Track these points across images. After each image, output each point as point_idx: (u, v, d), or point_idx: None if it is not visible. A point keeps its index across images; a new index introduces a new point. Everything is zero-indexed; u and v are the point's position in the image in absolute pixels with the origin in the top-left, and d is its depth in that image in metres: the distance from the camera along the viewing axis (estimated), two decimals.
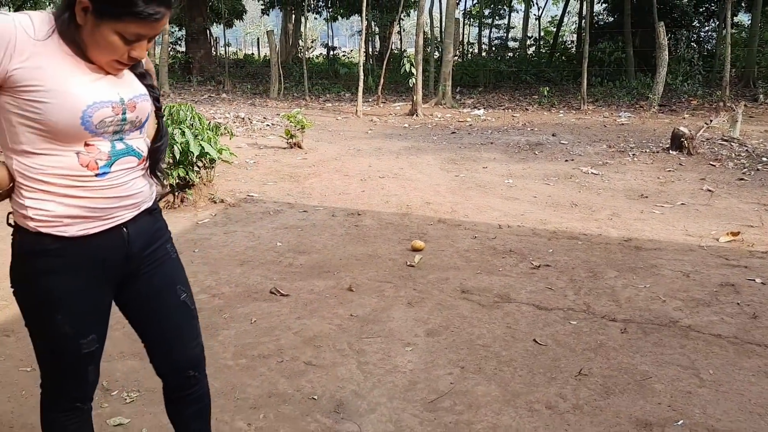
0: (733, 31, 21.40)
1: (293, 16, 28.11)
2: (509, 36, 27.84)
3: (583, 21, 18.83)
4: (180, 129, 5.53)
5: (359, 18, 28.71)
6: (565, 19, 28.70)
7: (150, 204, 1.77)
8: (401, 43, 28.91)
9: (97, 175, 1.58)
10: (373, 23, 23.74)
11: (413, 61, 14.09)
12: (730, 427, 2.57)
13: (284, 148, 9.19)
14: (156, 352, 1.92)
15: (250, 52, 39.56)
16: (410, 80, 13.84)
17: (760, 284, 4.04)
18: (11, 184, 1.59)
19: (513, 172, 7.70)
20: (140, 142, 1.69)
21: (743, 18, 24.19)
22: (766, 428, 2.56)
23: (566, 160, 8.42)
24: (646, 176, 7.39)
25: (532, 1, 27.93)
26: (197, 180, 5.95)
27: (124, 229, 1.69)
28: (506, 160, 8.57)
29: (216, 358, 3.12)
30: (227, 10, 24.26)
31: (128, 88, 1.63)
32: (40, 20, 1.51)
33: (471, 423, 2.61)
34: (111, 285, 1.74)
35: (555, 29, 26.64)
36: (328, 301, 3.82)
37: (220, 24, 25.82)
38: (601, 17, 24.10)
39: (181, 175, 5.66)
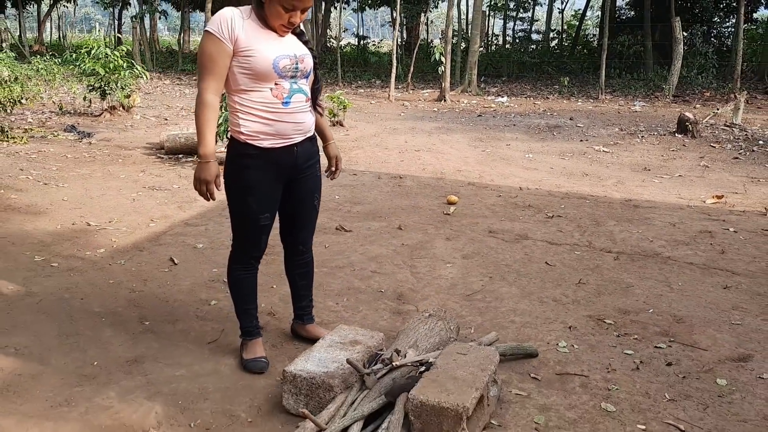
0: (753, 27, 22.04)
1: (323, 6, 29.10)
2: (533, 28, 28.58)
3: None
4: None
5: (387, 9, 29.62)
6: (589, 13, 29.40)
7: (311, 134, 2.76)
8: (427, 34, 29.77)
9: (283, 103, 2.58)
10: (401, 14, 24.65)
11: (443, 50, 15.02)
12: (686, 314, 3.53)
13: None
14: (285, 230, 2.96)
15: None
16: (439, 69, 14.77)
17: (733, 232, 4.98)
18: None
19: (533, 149, 8.66)
20: (306, 86, 2.69)
21: (765, 13, 24.72)
22: (712, 315, 3.52)
23: (581, 140, 9.36)
24: (651, 154, 8.31)
25: None
26: None
27: (295, 148, 2.68)
28: (527, 139, 9.53)
29: None
30: None
31: (299, 48, 2.63)
32: (244, 9, 2.55)
33: (497, 307, 3.61)
34: (282, 183, 2.74)
35: (578, 23, 27.36)
36: (383, 236, 4.84)
37: None
38: (623, 12, 24.81)
39: None
